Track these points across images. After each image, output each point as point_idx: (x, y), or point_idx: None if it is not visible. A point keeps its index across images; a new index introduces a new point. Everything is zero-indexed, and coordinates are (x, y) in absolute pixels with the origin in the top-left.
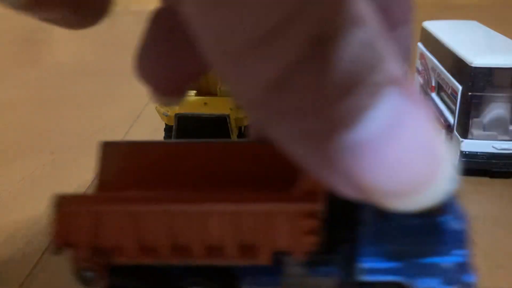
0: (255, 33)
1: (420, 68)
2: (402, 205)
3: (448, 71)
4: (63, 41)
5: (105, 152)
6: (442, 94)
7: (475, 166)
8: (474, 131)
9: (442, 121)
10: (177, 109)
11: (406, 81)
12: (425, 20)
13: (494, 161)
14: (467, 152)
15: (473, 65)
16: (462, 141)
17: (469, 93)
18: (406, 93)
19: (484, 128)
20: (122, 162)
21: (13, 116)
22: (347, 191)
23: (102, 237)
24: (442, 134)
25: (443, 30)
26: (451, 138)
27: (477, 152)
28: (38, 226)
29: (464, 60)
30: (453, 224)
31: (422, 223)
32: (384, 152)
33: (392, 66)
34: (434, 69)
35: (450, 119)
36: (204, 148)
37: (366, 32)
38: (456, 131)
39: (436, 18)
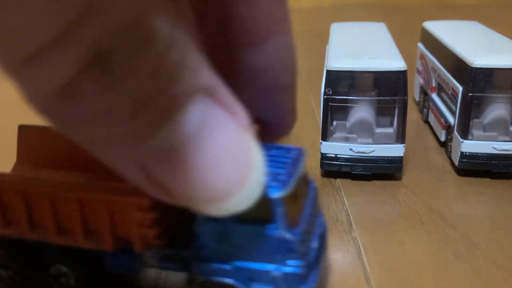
0: (23, 51)
1: (420, 68)
2: (215, 210)
3: (449, 72)
4: None
5: (21, 135)
6: (443, 94)
7: (476, 167)
8: (475, 132)
9: (443, 121)
10: None
11: (219, 90)
12: (425, 20)
13: (494, 161)
14: (467, 153)
15: (473, 66)
16: (462, 141)
17: (470, 94)
18: (218, 101)
19: (485, 128)
20: (35, 144)
21: (8, 116)
22: (159, 196)
23: None
24: (254, 140)
25: (444, 30)
26: (452, 138)
27: (477, 153)
28: None
29: (465, 61)
30: (283, 234)
31: (253, 231)
32: (191, 158)
33: (203, 77)
34: (434, 69)
35: (451, 119)
36: None
37: (167, 48)
38: (457, 131)
39: (436, 18)
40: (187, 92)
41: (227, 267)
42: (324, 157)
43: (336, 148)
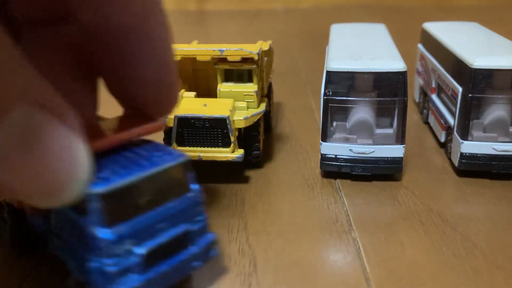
0: None
1: (420, 69)
2: (47, 204)
3: (449, 73)
4: None
5: None
6: (442, 95)
7: (475, 168)
8: (474, 133)
9: (442, 122)
10: (176, 111)
11: (48, 99)
12: (425, 21)
13: (494, 162)
14: (467, 154)
15: (473, 67)
16: (462, 142)
17: (470, 95)
18: (46, 109)
19: (484, 129)
20: None
21: None
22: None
23: None
24: (82, 142)
25: (444, 31)
26: (452, 139)
27: (477, 154)
28: None
29: (465, 62)
30: (93, 230)
31: (78, 222)
32: (22, 159)
33: (32, 84)
34: (434, 70)
35: (450, 120)
36: None
37: None
38: (456, 132)
39: (436, 19)
40: (12, 98)
41: (67, 254)
42: (324, 157)
43: (336, 148)
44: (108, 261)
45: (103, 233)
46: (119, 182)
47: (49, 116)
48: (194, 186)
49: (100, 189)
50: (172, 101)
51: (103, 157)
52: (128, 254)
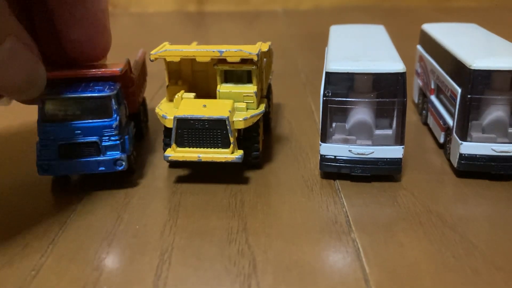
0: None
1: (419, 70)
2: (18, 96)
3: (448, 74)
4: None
5: None
6: (442, 96)
7: (475, 169)
8: (474, 134)
9: (442, 123)
10: (176, 112)
11: (23, 35)
12: (424, 22)
13: (493, 163)
14: (466, 155)
15: (472, 68)
16: (461, 143)
17: (469, 96)
18: (21, 41)
19: (483, 130)
20: None
21: (13, 116)
22: None
23: None
24: (41, 64)
25: (443, 32)
26: (451, 140)
27: (476, 155)
28: (37, 229)
29: (464, 63)
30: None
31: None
32: (7, 68)
33: (15, 26)
34: (433, 71)
35: (450, 121)
36: None
37: None
38: (456, 133)
39: (435, 21)
40: (5, 35)
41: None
42: (323, 158)
43: (335, 149)
44: (40, 142)
45: (39, 124)
46: (56, 95)
47: (25, 47)
48: (115, 115)
49: (44, 96)
50: (105, 45)
51: (65, 82)
52: (52, 142)
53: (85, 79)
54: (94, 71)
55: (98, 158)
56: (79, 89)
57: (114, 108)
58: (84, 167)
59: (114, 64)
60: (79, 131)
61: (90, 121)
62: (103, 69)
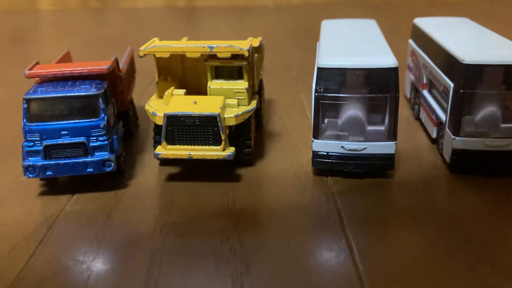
0: None
1: (411, 65)
2: None
3: (440, 68)
4: (52, 40)
5: None
6: (434, 91)
7: (467, 164)
8: (466, 129)
9: (434, 118)
10: (166, 109)
11: None
12: (416, 17)
13: (486, 158)
14: (459, 150)
15: (464, 63)
16: (454, 138)
17: (461, 91)
18: None
19: (476, 125)
20: None
21: (0, 116)
22: None
23: None
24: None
25: (434, 27)
26: (443, 135)
27: (469, 150)
28: (25, 229)
29: (456, 58)
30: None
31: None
32: None
33: None
34: (425, 66)
35: (442, 116)
36: None
37: None
38: (448, 128)
39: (427, 15)
40: None
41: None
42: (315, 155)
43: (327, 146)
44: (26, 143)
45: (24, 125)
46: (41, 95)
47: None
48: (103, 115)
49: (28, 96)
50: None
51: (51, 81)
52: (37, 143)
53: (71, 77)
54: (80, 69)
55: (86, 159)
56: (65, 88)
57: (102, 107)
58: (72, 168)
59: (101, 62)
60: (65, 132)
61: (77, 121)
62: (90, 67)
